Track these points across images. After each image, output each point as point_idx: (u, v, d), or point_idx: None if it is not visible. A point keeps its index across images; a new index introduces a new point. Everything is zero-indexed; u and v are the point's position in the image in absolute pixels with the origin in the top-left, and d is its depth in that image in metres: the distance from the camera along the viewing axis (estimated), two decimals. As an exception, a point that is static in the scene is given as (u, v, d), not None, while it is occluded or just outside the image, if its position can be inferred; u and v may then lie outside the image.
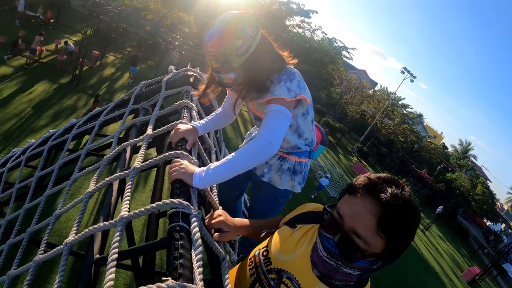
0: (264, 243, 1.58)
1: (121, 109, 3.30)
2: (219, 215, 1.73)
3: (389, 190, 1.12)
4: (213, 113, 2.42)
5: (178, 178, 1.66)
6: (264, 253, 1.51)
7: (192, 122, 2.30)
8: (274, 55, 2.03)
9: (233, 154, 1.74)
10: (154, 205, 1.50)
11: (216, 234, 1.66)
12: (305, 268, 1.33)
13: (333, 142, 36.39)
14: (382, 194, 1.11)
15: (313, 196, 21.26)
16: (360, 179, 1.21)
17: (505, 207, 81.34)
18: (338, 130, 38.68)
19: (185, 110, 2.56)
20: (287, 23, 31.28)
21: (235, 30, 1.79)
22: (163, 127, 2.30)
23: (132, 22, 27.72)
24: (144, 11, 27.83)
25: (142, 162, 1.91)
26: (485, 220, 58.22)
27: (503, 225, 62.65)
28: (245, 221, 1.84)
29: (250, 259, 1.57)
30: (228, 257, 1.59)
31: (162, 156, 1.90)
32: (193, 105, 2.68)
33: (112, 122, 3.36)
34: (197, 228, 1.39)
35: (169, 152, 1.87)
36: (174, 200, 1.47)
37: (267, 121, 1.86)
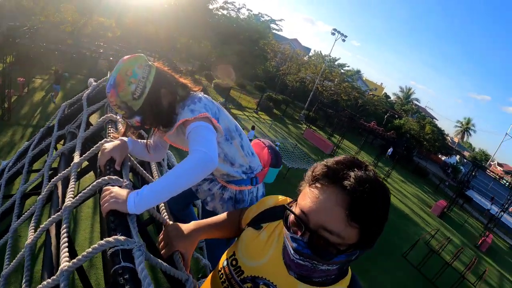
0: (230, 251, 1.49)
1: (49, 139, 3.07)
2: (176, 228, 1.66)
3: (352, 174, 1.05)
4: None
5: (111, 209, 1.54)
6: (233, 262, 1.41)
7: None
8: (174, 87, 2.04)
9: (170, 171, 1.68)
10: (85, 253, 1.38)
11: (163, 251, 1.59)
12: (280, 271, 1.24)
13: (280, 114, 36.56)
14: (346, 181, 1.04)
15: None
16: (318, 168, 1.13)
17: (456, 139, 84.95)
18: (282, 102, 38.90)
19: (110, 125, 2.43)
20: (211, 7, 30.67)
21: (126, 76, 1.83)
22: (90, 150, 2.17)
23: (52, 39, 26.55)
24: (62, 24, 26.68)
25: (74, 198, 1.78)
26: (440, 156, 60.59)
27: (458, 156, 65.43)
28: (194, 223, 1.75)
29: (220, 271, 1.47)
30: (191, 277, 1.55)
31: (90, 187, 1.77)
32: (118, 117, 2.54)
33: (44, 155, 3.12)
34: (142, 264, 1.29)
35: (97, 181, 1.74)
36: (109, 239, 1.35)
37: (193, 138, 1.83)
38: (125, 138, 2.12)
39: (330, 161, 1.12)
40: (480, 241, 30.20)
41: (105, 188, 1.63)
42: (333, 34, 42.12)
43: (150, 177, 2.33)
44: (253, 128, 23.23)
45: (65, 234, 1.60)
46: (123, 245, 1.33)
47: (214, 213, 2.41)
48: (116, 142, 2.03)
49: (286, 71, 42.91)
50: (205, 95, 2.15)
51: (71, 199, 1.78)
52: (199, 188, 2.55)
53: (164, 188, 1.59)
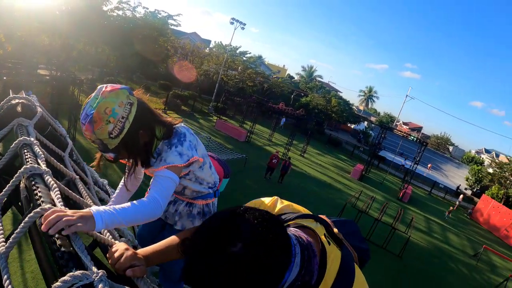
0: None
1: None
2: (123, 249, 1.51)
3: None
4: (118, 189, 2.42)
5: (76, 230, 1.36)
6: None
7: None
8: (154, 127, 1.99)
9: (131, 205, 1.73)
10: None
11: (129, 270, 1.42)
12: None
13: (188, 110, 35.73)
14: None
15: None
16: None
17: (361, 107, 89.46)
18: (189, 97, 38.07)
19: (26, 150, 2.08)
20: (105, 8, 28.64)
21: (104, 115, 1.74)
22: (10, 183, 1.81)
23: None
24: None
25: (7, 241, 1.50)
26: (349, 125, 63.19)
27: (365, 122, 68.72)
28: (151, 247, 1.71)
29: None
30: None
31: (26, 221, 1.42)
32: (32, 139, 2.16)
33: None
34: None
35: (30, 215, 1.41)
36: (65, 278, 1.12)
37: (158, 184, 1.90)
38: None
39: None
40: (401, 193, 31.76)
41: (54, 210, 1.37)
42: (231, 23, 41.94)
43: (81, 198, 2.08)
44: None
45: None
46: (82, 280, 1.16)
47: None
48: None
49: (189, 66, 42.12)
50: (184, 126, 2.17)
51: (3, 243, 1.50)
52: (167, 214, 2.59)
53: (122, 219, 1.63)
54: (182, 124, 2.18)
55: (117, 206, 1.66)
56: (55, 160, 2.22)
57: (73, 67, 28.59)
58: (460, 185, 49.31)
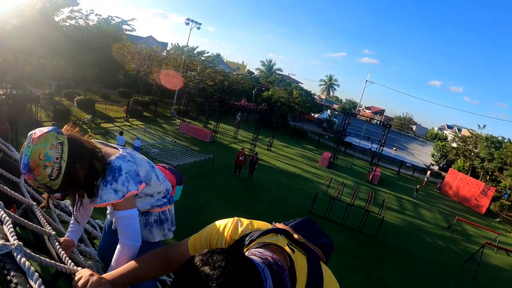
0: None
1: None
2: (88, 275, 1.57)
3: None
4: (71, 223, 2.41)
5: None
6: None
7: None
8: (91, 159, 1.99)
9: (111, 265, 2.04)
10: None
11: None
12: None
13: (151, 115, 34.91)
14: None
15: None
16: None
17: (323, 96, 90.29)
18: (150, 103, 37.20)
19: None
20: (57, 19, 27.21)
21: (40, 161, 1.75)
22: None
23: None
24: None
25: None
26: (312, 114, 63.38)
27: (328, 111, 69.15)
28: (117, 270, 1.77)
29: None
30: None
31: None
32: None
33: None
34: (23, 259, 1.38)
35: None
36: None
37: (122, 228, 2.08)
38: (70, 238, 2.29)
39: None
40: (370, 176, 31.99)
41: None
42: (187, 24, 41.16)
43: (40, 227, 2.15)
44: (121, 133, 21.63)
45: None
46: (2, 250, 1.40)
47: (144, 242, 2.41)
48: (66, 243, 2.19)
49: (147, 71, 41.11)
50: (122, 154, 2.14)
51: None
52: None
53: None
54: (119, 153, 2.14)
55: (113, 266, 2.05)
56: (8, 189, 2.23)
57: (29, 83, 27.32)
58: (431, 163, 50.29)
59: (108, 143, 2.31)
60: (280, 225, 1.77)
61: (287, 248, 1.49)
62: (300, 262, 1.46)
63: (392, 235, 19.64)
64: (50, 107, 25.01)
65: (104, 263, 2.61)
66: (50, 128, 1.86)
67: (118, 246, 2.10)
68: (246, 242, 1.58)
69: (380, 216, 18.74)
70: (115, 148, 2.24)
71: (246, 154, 22.76)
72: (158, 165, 2.87)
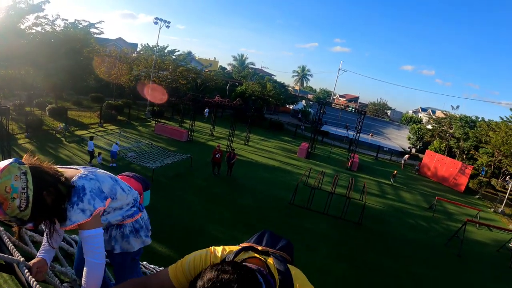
0: None
1: None
2: None
3: None
4: (43, 247, 2.34)
5: None
6: None
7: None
8: (55, 183, 1.99)
9: (85, 280, 2.09)
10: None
11: None
12: None
13: (125, 119, 34.24)
14: None
15: (114, 165, 20.24)
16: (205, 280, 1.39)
17: (297, 87, 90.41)
18: (124, 106, 36.46)
19: None
20: (23, 27, 26.18)
21: (7, 194, 1.76)
22: None
23: None
24: None
25: None
26: (287, 106, 63.36)
27: (303, 101, 69.23)
28: None
29: None
30: None
31: None
32: None
33: None
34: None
35: None
36: None
37: (86, 248, 2.13)
38: (41, 257, 2.22)
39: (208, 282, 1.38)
40: (349, 163, 32.11)
41: None
42: (155, 23, 40.44)
43: (8, 255, 2.09)
44: (91, 138, 21.06)
45: None
46: None
47: (125, 253, 2.70)
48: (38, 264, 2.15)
49: (118, 74, 40.26)
50: (84, 173, 2.19)
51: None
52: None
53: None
54: (80, 173, 2.19)
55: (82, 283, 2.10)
56: None
57: None
58: (410, 147, 50.80)
59: (68, 166, 2.31)
60: (244, 244, 2.11)
61: (261, 258, 1.87)
62: (272, 267, 1.82)
63: (375, 220, 19.68)
64: (22, 118, 24.22)
65: (80, 280, 2.52)
66: (11, 160, 1.86)
67: (86, 267, 2.13)
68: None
69: (361, 202, 18.72)
70: (76, 169, 2.27)
71: (222, 151, 22.46)
72: (122, 175, 3.08)
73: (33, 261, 2.18)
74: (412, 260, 15.90)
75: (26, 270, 2.02)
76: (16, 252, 2.17)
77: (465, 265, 16.42)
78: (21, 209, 1.83)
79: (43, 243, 2.35)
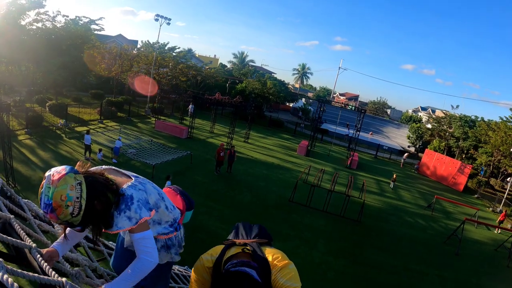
0: None
1: None
2: None
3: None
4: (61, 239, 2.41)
5: None
6: None
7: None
8: (106, 192, 2.12)
9: (131, 272, 2.25)
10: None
11: None
12: None
13: (125, 116, 34.25)
14: None
15: (115, 161, 20.51)
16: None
17: (297, 85, 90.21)
18: (124, 103, 36.39)
19: None
20: (23, 23, 26.11)
21: (62, 202, 1.87)
22: None
23: None
24: None
25: None
26: (287, 104, 63.33)
27: (303, 99, 69.25)
28: None
29: None
30: None
31: None
32: None
33: None
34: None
35: None
36: None
37: (140, 248, 2.30)
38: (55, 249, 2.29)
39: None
40: (349, 161, 32.17)
41: None
42: (156, 20, 40.41)
43: (20, 240, 2.16)
44: (88, 132, 21.09)
45: None
46: None
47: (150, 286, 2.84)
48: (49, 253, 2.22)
49: (118, 70, 40.20)
50: (134, 183, 2.31)
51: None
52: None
53: (128, 282, 2.23)
54: (130, 183, 2.30)
55: (123, 275, 2.25)
56: None
57: None
58: (409, 146, 50.87)
59: (121, 171, 2.45)
60: (226, 242, 2.41)
61: (245, 250, 2.24)
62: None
63: (374, 218, 19.76)
64: (22, 114, 24.18)
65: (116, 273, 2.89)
66: (67, 169, 1.96)
67: (137, 262, 2.30)
68: (221, 262, 2.22)
69: (361, 200, 18.79)
70: (128, 176, 2.40)
71: (225, 149, 22.51)
72: (169, 188, 3.22)
73: (44, 250, 2.26)
74: (411, 257, 15.99)
75: (39, 256, 2.08)
76: (28, 238, 2.22)
77: (463, 263, 16.51)
78: (73, 215, 1.95)
79: (59, 238, 2.43)
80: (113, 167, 2.43)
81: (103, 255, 3.25)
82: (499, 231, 21.85)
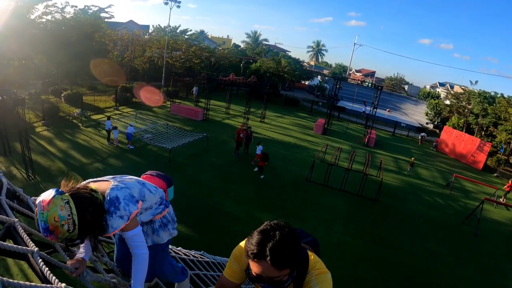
0: None
1: None
2: None
3: (268, 250, 1.80)
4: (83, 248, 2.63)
5: None
6: None
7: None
8: (94, 202, 2.29)
9: (134, 273, 2.58)
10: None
11: None
12: None
13: (140, 101, 34.37)
14: (268, 259, 1.79)
15: (131, 147, 20.56)
16: (250, 248, 1.87)
17: (312, 63, 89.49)
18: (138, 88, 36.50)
19: None
20: (32, 17, 26.27)
21: (56, 222, 2.07)
22: None
23: None
24: None
25: None
26: (303, 82, 62.86)
27: (319, 77, 68.62)
28: None
29: None
30: None
31: None
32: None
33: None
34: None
35: None
36: None
37: (133, 244, 2.57)
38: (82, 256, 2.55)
39: (253, 243, 1.87)
40: (366, 139, 31.92)
41: None
42: (166, 3, 40.12)
43: (22, 246, 2.28)
44: (108, 118, 21.48)
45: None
46: None
47: (156, 245, 3.08)
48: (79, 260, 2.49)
49: (131, 56, 40.21)
50: (114, 185, 2.48)
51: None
52: None
53: (141, 280, 2.60)
54: (111, 185, 2.47)
55: (134, 276, 2.57)
56: None
57: (13, 85, 26.57)
58: (428, 122, 50.21)
59: (99, 179, 2.59)
60: None
61: None
62: None
63: (392, 197, 19.66)
64: (38, 106, 24.41)
65: (121, 268, 3.16)
66: (53, 193, 2.13)
67: (134, 259, 2.59)
68: None
69: (378, 178, 18.73)
70: (107, 180, 2.56)
71: (245, 130, 22.50)
72: (145, 174, 3.36)
73: (71, 261, 2.50)
74: (428, 237, 15.92)
75: (40, 260, 2.21)
76: (31, 242, 2.34)
77: (481, 244, 16.35)
78: (70, 231, 2.14)
79: (81, 246, 2.66)
80: (91, 179, 2.59)
81: (101, 252, 3.35)
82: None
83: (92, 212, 2.27)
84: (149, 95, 34.62)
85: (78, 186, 2.35)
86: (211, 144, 22.67)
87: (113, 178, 2.63)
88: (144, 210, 2.77)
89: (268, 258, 1.78)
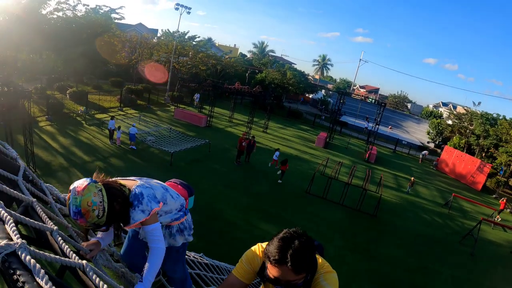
0: None
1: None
2: None
3: (289, 256, 1.96)
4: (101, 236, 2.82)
5: None
6: None
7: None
8: (122, 194, 2.55)
9: (150, 264, 2.68)
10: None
11: None
12: None
13: (145, 103, 34.64)
14: (289, 264, 1.95)
15: (134, 148, 20.78)
16: (272, 254, 2.01)
17: (317, 76, 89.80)
18: (144, 91, 36.69)
19: None
20: (44, 12, 26.47)
21: (88, 207, 2.26)
22: None
23: None
24: None
25: None
26: (307, 95, 63.07)
27: (323, 91, 68.88)
28: None
29: None
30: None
31: None
32: None
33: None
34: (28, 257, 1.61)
35: None
36: None
37: (151, 238, 2.72)
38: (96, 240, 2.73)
39: (273, 249, 2.02)
40: (367, 155, 32.03)
41: None
42: (176, 9, 40.45)
43: (42, 223, 2.32)
44: (112, 118, 21.57)
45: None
46: (6, 249, 1.51)
47: (171, 247, 3.30)
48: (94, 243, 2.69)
49: (138, 59, 40.53)
50: (141, 183, 2.74)
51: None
52: None
53: (154, 273, 2.68)
54: (138, 183, 2.72)
55: (148, 268, 2.65)
56: (7, 188, 2.35)
57: (19, 79, 26.75)
58: (429, 141, 50.31)
59: (127, 178, 2.84)
60: None
61: None
62: None
63: (390, 213, 19.75)
64: (43, 101, 24.59)
65: (127, 263, 3.28)
66: (88, 180, 2.35)
67: (152, 252, 2.72)
68: None
69: (377, 194, 18.79)
70: (134, 180, 2.80)
71: (248, 139, 22.62)
72: (170, 181, 3.54)
73: (87, 242, 2.69)
74: (426, 255, 15.98)
75: (60, 238, 2.29)
76: (49, 221, 2.44)
77: (477, 264, 16.42)
78: (99, 217, 2.33)
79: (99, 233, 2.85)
80: (119, 177, 2.81)
81: (121, 240, 3.59)
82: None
83: (120, 203, 2.49)
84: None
85: (108, 179, 2.57)
86: (213, 151, 22.77)
87: (139, 178, 2.87)
88: (164, 213, 2.98)
89: (289, 264, 1.94)
